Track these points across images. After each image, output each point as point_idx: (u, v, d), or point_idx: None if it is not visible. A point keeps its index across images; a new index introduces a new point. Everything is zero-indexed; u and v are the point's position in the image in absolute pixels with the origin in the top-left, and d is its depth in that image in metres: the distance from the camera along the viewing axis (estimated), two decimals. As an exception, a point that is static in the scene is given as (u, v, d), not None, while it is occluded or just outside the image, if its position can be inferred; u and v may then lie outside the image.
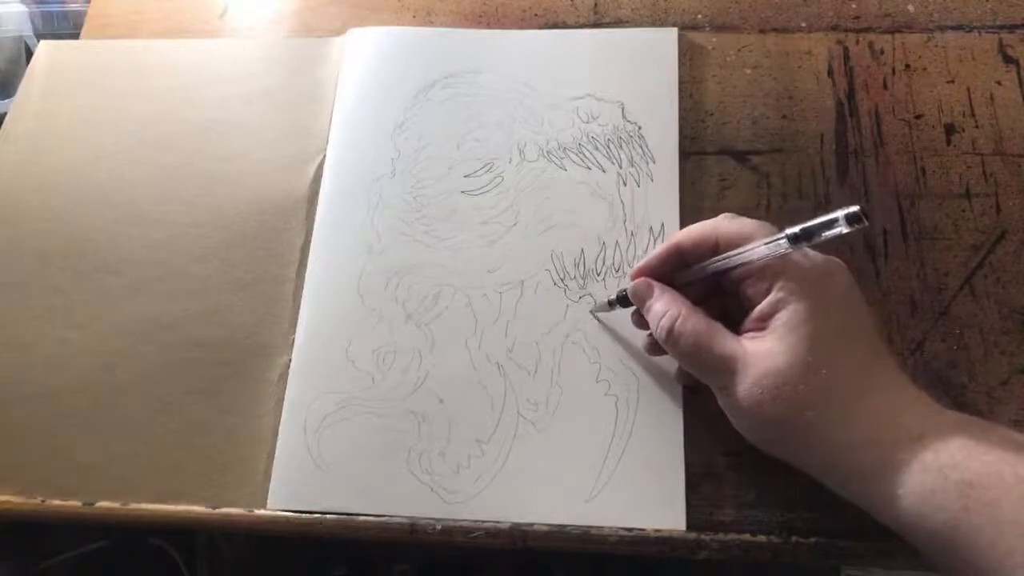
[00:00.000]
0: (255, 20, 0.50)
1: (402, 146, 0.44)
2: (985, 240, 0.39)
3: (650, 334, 0.36)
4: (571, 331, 0.38)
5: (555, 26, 0.47)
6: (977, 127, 0.41)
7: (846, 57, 0.44)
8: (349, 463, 0.37)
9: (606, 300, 0.37)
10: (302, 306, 0.40)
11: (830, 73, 0.43)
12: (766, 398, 0.29)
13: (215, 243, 0.43)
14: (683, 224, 0.40)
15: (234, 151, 0.45)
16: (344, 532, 0.35)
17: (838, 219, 0.26)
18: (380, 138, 0.44)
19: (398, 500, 0.36)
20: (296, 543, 0.56)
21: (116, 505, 0.37)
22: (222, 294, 0.41)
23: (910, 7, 0.45)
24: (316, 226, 0.42)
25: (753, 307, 0.31)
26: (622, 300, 0.36)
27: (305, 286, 0.41)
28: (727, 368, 0.30)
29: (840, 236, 0.27)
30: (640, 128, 0.43)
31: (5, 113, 0.48)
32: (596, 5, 0.47)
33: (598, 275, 0.40)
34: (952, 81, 0.43)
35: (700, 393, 0.36)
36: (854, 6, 0.45)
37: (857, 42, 0.44)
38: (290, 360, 0.39)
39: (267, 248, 0.42)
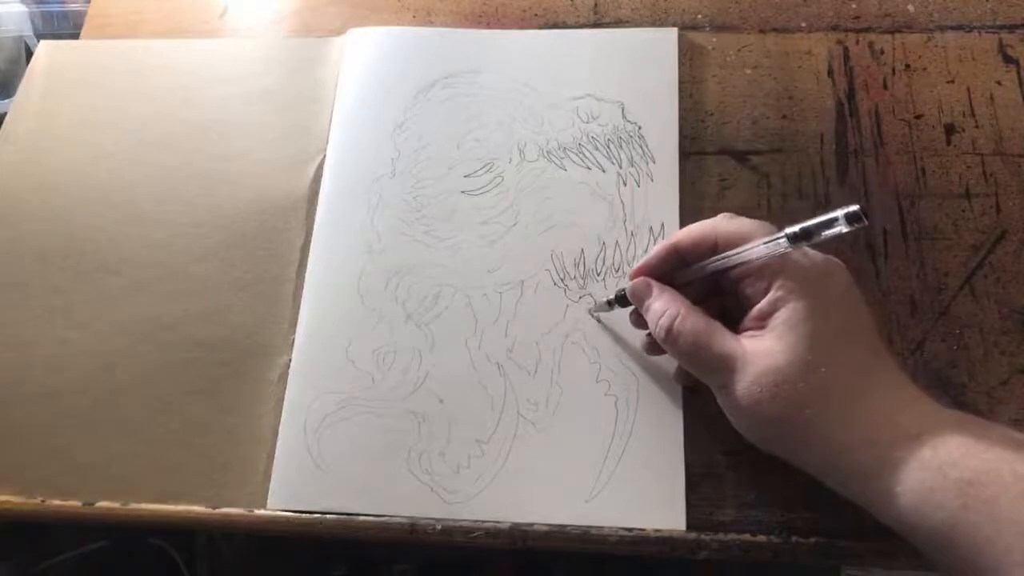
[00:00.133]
0: (255, 20, 0.50)
1: (402, 146, 0.44)
2: (985, 240, 0.39)
3: (648, 333, 0.36)
4: (571, 331, 0.38)
5: (555, 26, 0.47)
6: (977, 127, 0.41)
7: (846, 57, 0.44)
8: (349, 463, 0.37)
9: (605, 300, 0.37)
10: (302, 306, 0.40)
11: (830, 73, 0.43)
12: (765, 396, 0.29)
13: (215, 243, 0.43)
14: (683, 224, 0.40)
15: (234, 151, 0.45)
16: (344, 532, 0.35)
17: (838, 218, 0.26)
18: (380, 138, 0.44)
19: (398, 500, 0.36)
20: (296, 543, 0.56)
21: (116, 505, 0.37)
22: (222, 294, 0.41)
23: (910, 7, 0.45)
24: (316, 226, 0.42)
25: (752, 306, 0.31)
26: (621, 300, 0.36)
27: (305, 286, 0.41)
28: (726, 367, 0.30)
29: (840, 236, 0.27)
30: (640, 128, 0.43)
31: (5, 113, 0.48)
32: (596, 5, 0.47)
33: (598, 275, 0.40)
34: (952, 81, 0.43)
35: (700, 393, 0.36)
36: (854, 6, 0.45)
37: (857, 42, 0.44)
38: (290, 360, 0.39)
39: (267, 248, 0.42)
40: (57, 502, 0.37)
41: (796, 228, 0.28)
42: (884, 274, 0.39)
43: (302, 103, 0.46)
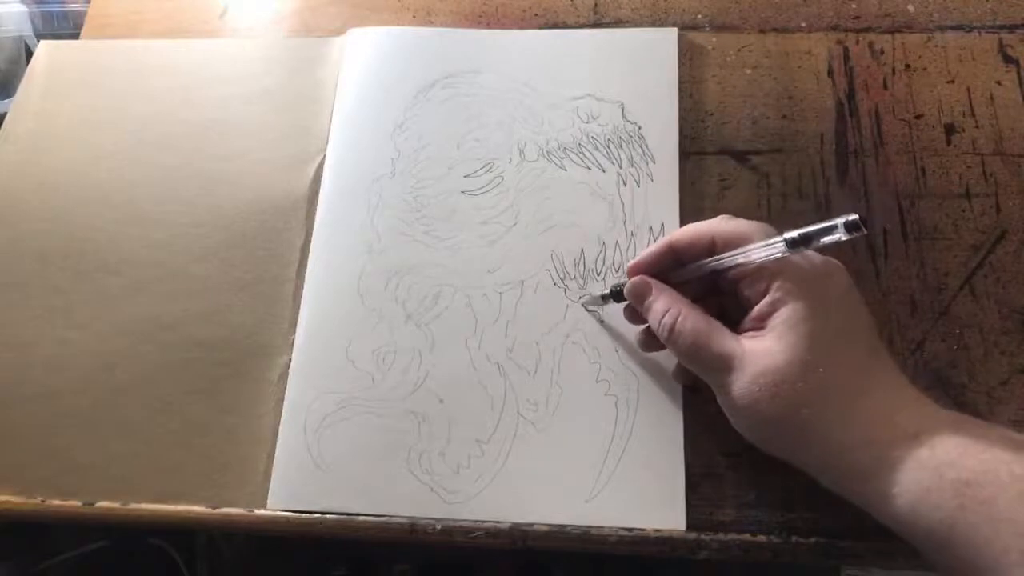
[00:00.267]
0: (255, 20, 0.50)
1: (402, 146, 0.44)
2: (985, 240, 0.39)
3: (644, 329, 0.36)
4: (571, 331, 0.39)
5: (555, 26, 0.47)
6: (977, 127, 0.41)
7: (846, 57, 0.44)
8: (349, 463, 0.37)
9: (599, 295, 0.37)
10: (302, 306, 0.40)
11: (830, 73, 0.43)
12: (764, 396, 0.29)
13: (215, 243, 0.43)
14: (683, 224, 0.39)
15: (234, 151, 0.45)
16: (344, 532, 0.36)
17: (836, 226, 0.26)
18: (380, 138, 0.44)
19: (398, 500, 0.36)
20: (296, 543, 0.56)
21: (116, 505, 0.37)
22: (222, 294, 0.41)
23: (910, 7, 0.45)
24: (316, 226, 0.42)
25: (751, 307, 0.31)
26: (616, 295, 0.36)
27: (305, 286, 0.41)
28: (725, 366, 0.30)
29: (838, 243, 0.27)
30: (640, 128, 0.43)
31: (5, 113, 0.48)
32: (596, 5, 0.47)
33: (598, 275, 0.40)
34: (952, 81, 0.43)
35: (700, 393, 0.36)
36: (854, 6, 0.45)
37: (857, 42, 0.44)
38: (290, 360, 0.39)
39: (267, 248, 0.42)
40: (57, 502, 0.37)
41: (795, 234, 0.28)
42: (884, 274, 0.39)
43: (302, 103, 0.46)
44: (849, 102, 0.43)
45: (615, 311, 0.38)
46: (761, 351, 0.30)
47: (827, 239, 0.27)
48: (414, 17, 0.49)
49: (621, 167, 0.42)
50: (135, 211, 0.44)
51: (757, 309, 0.31)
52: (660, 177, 0.41)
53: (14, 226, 0.44)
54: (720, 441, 0.35)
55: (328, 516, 0.36)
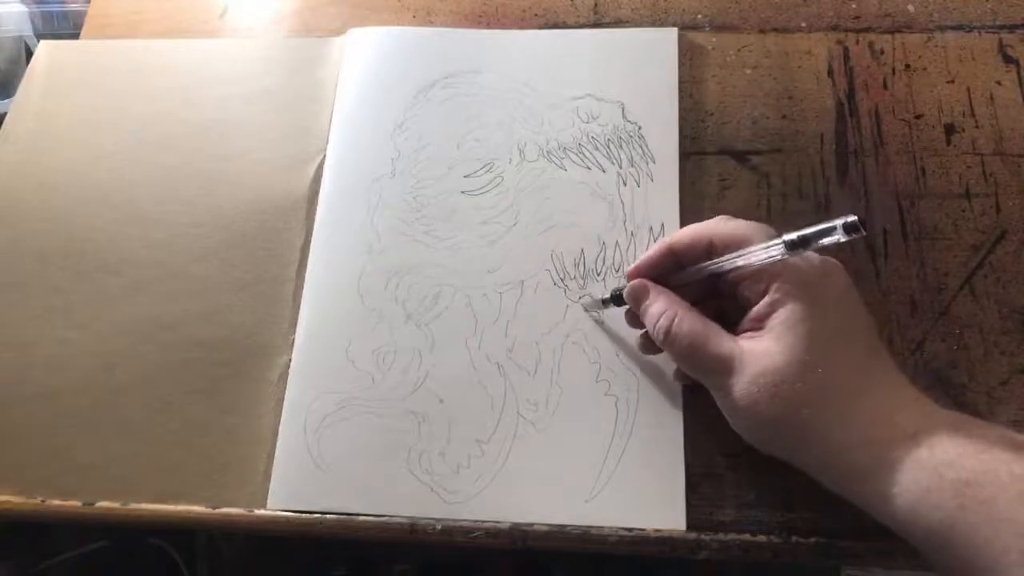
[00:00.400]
0: (255, 20, 0.50)
1: (402, 146, 0.44)
2: (985, 240, 0.39)
3: (644, 333, 0.36)
4: (571, 331, 0.39)
5: (555, 26, 0.47)
6: (977, 127, 0.41)
7: (846, 57, 0.44)
8: (349, 463, 0.37)
9: (600, 298, 0.37)
10: (302, 306, 0.40)
11: (830, 73, 0.43)
12: (763, 396, 0.29)
13: (215, 243, 0.43)
14: (683, 224, 0.40)
15: (234, 151, 0.45)
16: (344, 532, 0.36)
17: (836, 227, 0.26)
18: (380, 138, 0.44)
19: (398, 500, 0.36)
20: (296, 543, 0.56)
21: (116, 505, 0.37)
22: (222, 294, 0.41)
23: (910, 7, 0.45)
24: (316, 226, 0.42)
25: (750, 308, 0.31)
26: (616, 299, 0.36)
27: (305, 286, 0.41)
28: (724, 368, 0.30)
29: (837, 244, 0.27)
30: (640, 128, 0.43)
31: (5, 113, 0.48)
32: (596, 5, 0.47)
33: (598, 275, 0.40)
34: (952, 81, 0.43)
35: (700, 393, 0.36)
36: (854, 6, 0.45)
37: (857, 42, 0.44)
38: (290, 360, 0.39)
39: (267, 248, 0.42)
40: (57, 502, 0.37)
41: (794, 236, 0.28)
42: (884, 274, 0.39)
43: (302, 103, 0.46)
44: (849, 102, 0.43)
45: (615, 312, 0.38)
46: (760, 352, 0.30)
47: (826, 241, 0.27)
48: (414, 17, 0.49)
49: (621, 167, 0.42)
50: (135, 211, 0.44)
51: (756, 310, 0.31)
52: (660, 177, 0.41)
53: (14, 226, 0.44)
54: (720, 441, 0.35)
55: (328, 516, 0.36)
